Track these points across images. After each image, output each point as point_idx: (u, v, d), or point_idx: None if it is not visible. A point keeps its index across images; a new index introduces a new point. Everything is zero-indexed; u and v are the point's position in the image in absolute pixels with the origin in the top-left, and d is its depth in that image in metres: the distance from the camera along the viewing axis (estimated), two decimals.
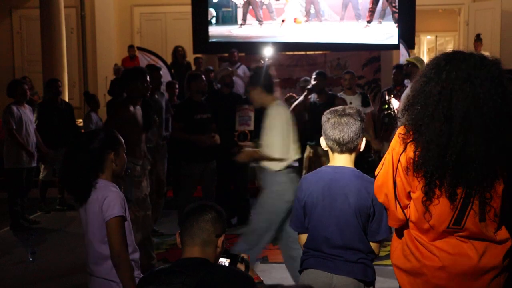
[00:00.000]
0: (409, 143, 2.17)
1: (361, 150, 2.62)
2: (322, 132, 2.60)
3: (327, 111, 2.62)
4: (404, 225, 2.31)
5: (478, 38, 10.41)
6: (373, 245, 2.58)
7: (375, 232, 2.55)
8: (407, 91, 2.28)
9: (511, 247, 2.20)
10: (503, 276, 2.19)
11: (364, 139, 2.60)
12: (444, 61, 2.16)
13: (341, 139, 2.52)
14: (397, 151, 2.23)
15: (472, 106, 2.06)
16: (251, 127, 6.42)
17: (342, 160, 2.59)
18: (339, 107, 2.62)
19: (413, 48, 10.69)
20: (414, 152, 2.14)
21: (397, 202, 2.26)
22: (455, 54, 2.18)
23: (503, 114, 2.08)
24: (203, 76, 6.19)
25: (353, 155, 2.60)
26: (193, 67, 9.71)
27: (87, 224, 2.68)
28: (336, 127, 2.53)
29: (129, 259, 2.62)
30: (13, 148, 6.49)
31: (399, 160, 2.21)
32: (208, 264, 2.06)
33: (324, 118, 2.59)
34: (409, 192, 2.23)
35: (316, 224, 2.59)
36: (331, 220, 2.54)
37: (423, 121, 2.12)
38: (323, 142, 2.62)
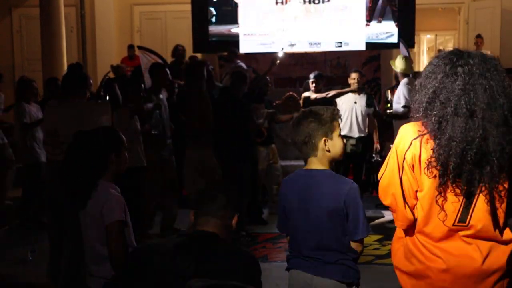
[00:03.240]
0: (416, 140, 2.15)
1: (327, 148, 2.57)
2: None
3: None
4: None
5: (479, 37, 10.40)
6: (353, 244, 2.59)
7: (353, 232, 2.56)
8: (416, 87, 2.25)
9: None
10: (507, 279, 2.17)
11: (323, 138, 2.55)
12: (455, 57, 2.16)
13: (295, 143, 2.58)
14: (402, 149, 2.20)
15: (490, 99, 2.06)
16: (265, 125, 6.46)
17: (313, 162, 2.60)
18: (306, 109, 2.65)
19: (413, 47, 10.69)
20: (433, 149, 2.11)
21: (405, 202, 2.22)
22: (460, 51, 2.19)
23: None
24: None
25: (320, 155, 2.58)
26: None
27: (86, 225, 2.67)
28: (292, 131, 2.60)
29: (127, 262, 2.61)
30: (27, 143, 6.44)
31: (404, 158, 2.19)
32: (217, 237, 2.11)
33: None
34: (416, 191, 2.21)
35: (294, 227, 2.63)
36: (307, 223, 2.56)
37: (444, 117, 2.09)
38: None
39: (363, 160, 6.99)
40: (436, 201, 2.13)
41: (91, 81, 4.56)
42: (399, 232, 2.36)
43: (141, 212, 5.52)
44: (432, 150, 2.12)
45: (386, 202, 2.31)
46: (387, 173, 2.27)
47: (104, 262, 2.64)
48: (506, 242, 2.16)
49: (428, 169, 2.12)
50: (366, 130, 6.90)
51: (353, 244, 2.59)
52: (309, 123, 2.54)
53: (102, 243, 2.62)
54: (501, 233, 2.16)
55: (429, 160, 2.11)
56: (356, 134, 6.73)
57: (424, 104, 2.17)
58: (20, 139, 6.51)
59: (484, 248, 2.14)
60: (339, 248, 2.55)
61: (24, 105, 6.43)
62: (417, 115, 2.20)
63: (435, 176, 2.11)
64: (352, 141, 6.70)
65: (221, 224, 2.15)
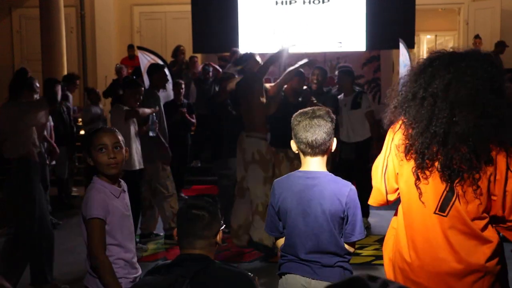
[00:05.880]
0: (401, 125, 2.21)
1: (333, 150, 2.58)
2: (293, 136, 2.57)
3: (297, 113, 2.59)
4: (400, 217, 2.29)
5: (477, 37, 10.42)
6: (346, 246, 2.58)
7: (349, 234, 2.55)
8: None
9: (496, 248, 2.15)
10: (487, 279, 2.14)
11: (335, 139, 2.57)
12: (427, 60, 2.22)
13: (313, 142, 2.49)
14: (393, 130, 2.26)
15: (456, 82, 2.07)
16: None
17: (314, 163, 2.56)
18: (308, 109, 2.58)
19: (413, 47, 10.68)
20: (403, 133, 2.17)
21: (383, 182, 2.27)
22: (441, 50, 2.25)
23: (494, 89, 2.08)
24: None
25: (325, 157, 2.57)
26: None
27: (80, 223, 2.69)
28: (308, 129, 2.49)
29: (107, 260, 2.59)
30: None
31: (393, 139, 2.24)
32: (207, 259, 2.08)
33: (294, 121, 2.56)
34: (397, 174, 2.24)
35: (291, 231, 2.58)
36: (305, 227, 2.53)
37: (404, 103, 2.16)
38: (293, 145, 2.60)
39: (359, 168, 6.20)
40: (416, 185, 2.14)
41: (38, 85, 5.01)
42: (393, 223, 2.38)
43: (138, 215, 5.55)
44: (405, 135, 2.17)
45: (372, 181, 2.38)
46: (381, 154, 2.35)
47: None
48: (487, 241, 2.13)
49: (406, 153, 2.15)
50: (362, 133, 6.34)
51: (346, 246, 2.58)
52: (327, 123, 2.51)
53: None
54: (481, 229, 2.13)
55: (405, 143, 2.16)
56: (346, 139, 6.28)
57: (395, 100, 2.25)
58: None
59: (464, 248, 2.12)
60: (337, 250, 2.54)
61: None
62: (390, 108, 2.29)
63: (411, 159, 2.15)
64: (345, 147, 6.25)
65: (207, 243, 2.11)
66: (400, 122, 2.22)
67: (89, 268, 2.68)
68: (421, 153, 2.10)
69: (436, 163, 2.09)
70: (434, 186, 2.11)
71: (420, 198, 2.14)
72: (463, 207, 2.09)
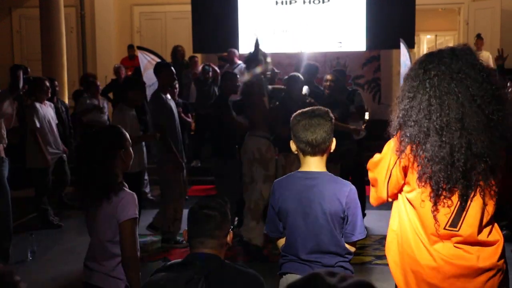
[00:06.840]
0: (409, 152, 2.17)
1: (332, 151, 2.59)
2: (292, 135, 2.57)
3: (296, 113, 2.59)
4: (403, 221, 2.30)
5: (479, 37, 10.41)
6: (347, 245, 2.58)
7: (350, 234, 2.56)
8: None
9: (503, 245, 2.20)
10: (497, 277, 2.18)
11: (334, 139, 2.58)
12: (422, 70, 2.16)
13: (314, 141, 2.50)
14: (400, 150, 2.21)
15: (466, 103, 2.06)
16: None
17: (314, 163, 2.56)
18: (308, 109, 2.58)
19: (413, 47, 10.68)
20: (418, 165, 2.14)
21: (386, 188, 2.28)
22: (428, 58, 2.18)
23: (496, 98, 2.08)
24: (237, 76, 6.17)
25: (325, 156, 2.57)
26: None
27: (96, 222, 2.68)
28: (308, 128, 2.50)
29: (138, 259, 2.65)
30: (36, 147, 6.38)
31: (399, 157, 2.20)
32: (219, 259, 2.09)
33: (293, 121, 2.56)
34: (402, 185, 2.25)
35: (291, 231, 2.59)
36: (306, 227, 2.54)
37: (420, 137, 2.12)
38: (293, 145, 2.60)
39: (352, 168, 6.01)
40: (432, 212, 2.15)
41: None
42: (392, 225, 2.38)
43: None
44: (419, 165, 2.13)
45: (370, 175, 2.39)
46: (382, 154, 2.32)
47: (110, 260, 2.66)
48: (492, 244, 2.17)
49: (420, 180, 2.13)
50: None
51: (347, 245, 2.59)
52: (326, 122, 2.52)
53: (112, 241, 2.64)
54: (488, 235, 2.17)
55: (420, 173, 2.13)
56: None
57: (398, 126, 2.21)
58: (29, 143, 6.46)
59: (476, 251, 2.16)
60: (338, 250, 2.54)
61: (36, 106, 6.34)
62: (393, 133, 2.24)
63: (425, 185, 2.13)
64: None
65: (218, 243, 2.11)
66: (409, 148, 2.16)
67: (100, 267, 2.68)
68: (441, 183, 2.09)
69: (455, 187, 2.10)
70: (445, 202, 2.13)
71: (433, 217, 2.16)
72: (475, 219, 2.12)
